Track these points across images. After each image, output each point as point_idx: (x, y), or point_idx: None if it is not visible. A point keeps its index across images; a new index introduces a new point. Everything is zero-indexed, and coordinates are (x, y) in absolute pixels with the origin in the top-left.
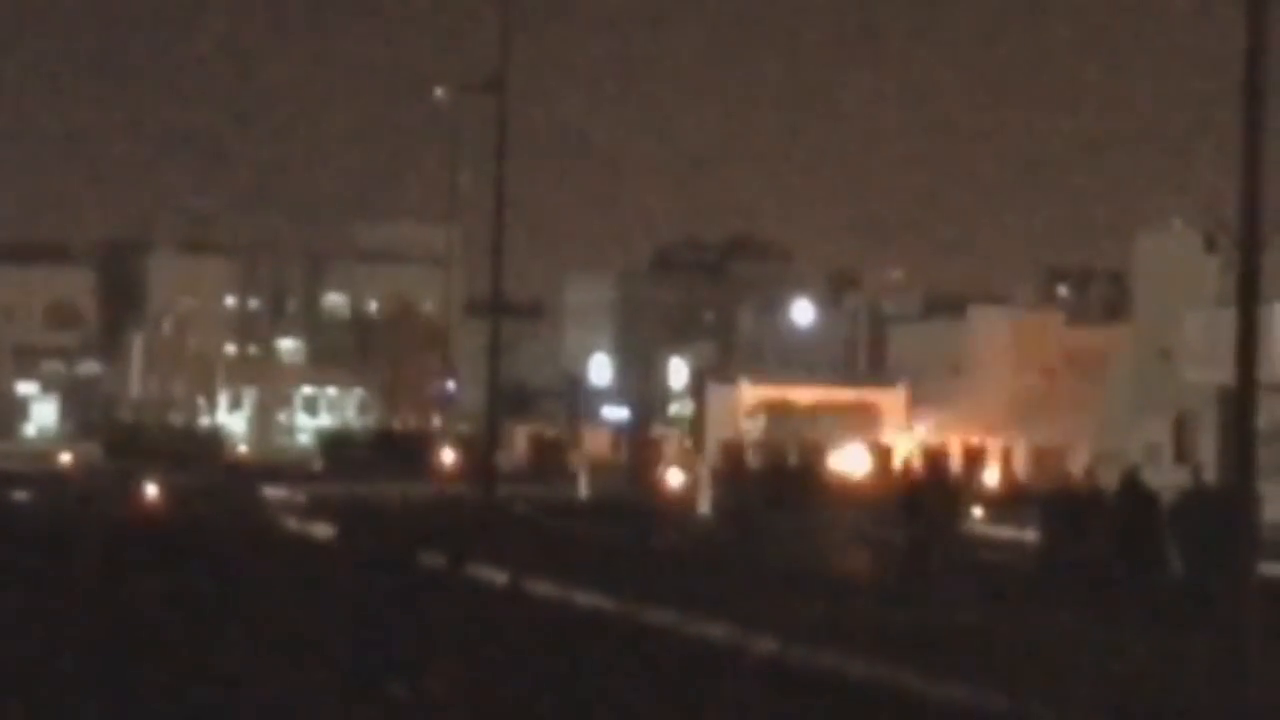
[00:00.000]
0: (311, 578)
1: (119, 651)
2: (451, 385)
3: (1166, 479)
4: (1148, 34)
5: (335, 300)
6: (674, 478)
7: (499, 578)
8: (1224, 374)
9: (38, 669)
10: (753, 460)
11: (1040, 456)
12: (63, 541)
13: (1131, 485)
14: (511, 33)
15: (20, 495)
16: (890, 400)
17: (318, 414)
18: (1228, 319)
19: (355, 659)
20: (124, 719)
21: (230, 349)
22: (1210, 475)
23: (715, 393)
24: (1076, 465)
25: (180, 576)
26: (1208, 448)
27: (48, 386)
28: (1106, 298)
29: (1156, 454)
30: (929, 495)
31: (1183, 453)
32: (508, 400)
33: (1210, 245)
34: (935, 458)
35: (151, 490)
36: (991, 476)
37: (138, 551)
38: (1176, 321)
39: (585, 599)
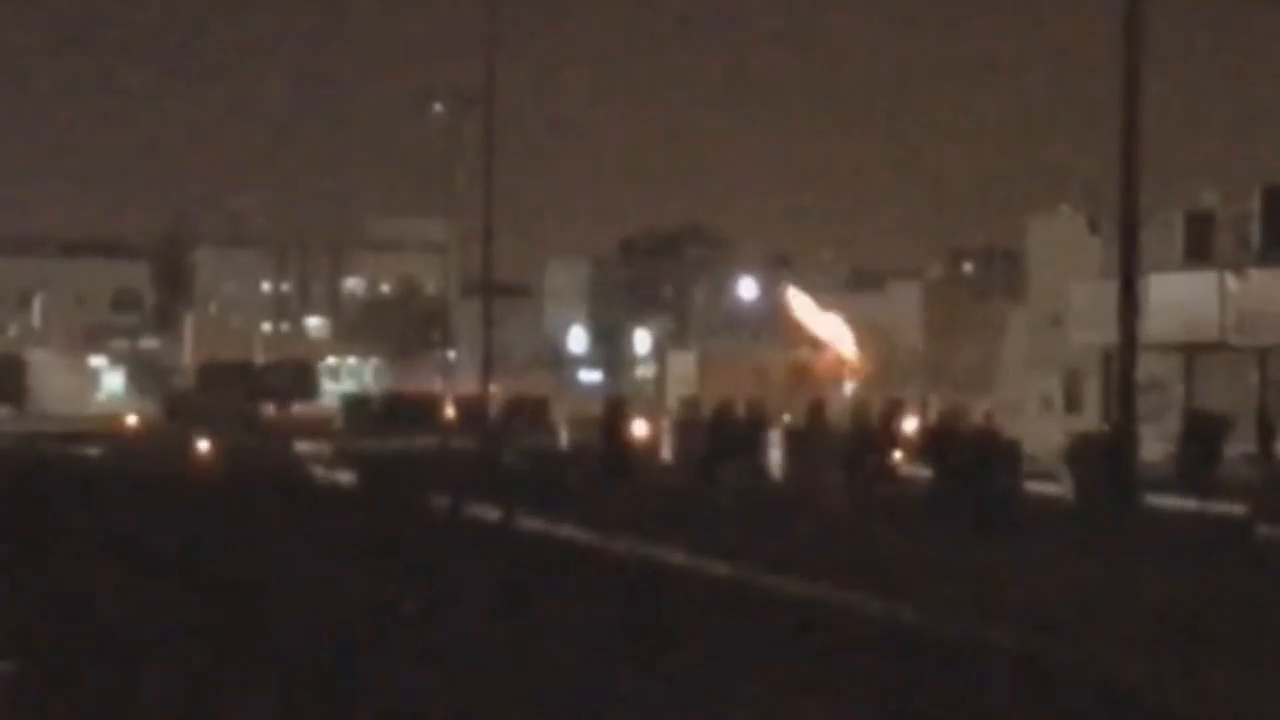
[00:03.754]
0: (337, 517)
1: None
2: (452, 354)
3: (1059, 425)
4: (1029, 38)
5: (354, 284)
6: (638, 429)
7: (492, 514)
8: (1106, 336)
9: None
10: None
11: (949, 408)
12: (134, 495)
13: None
14: (496, 55)
15: (95, 451)
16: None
17: (340, 380)
18: (1109, 289)
19: (375, 582)
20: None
21: (266, 327)
22: (1094, 422)
23: (674, 357)
24: (978, 414)
25: (231, 521)
26: (1092, 399)
27: (115, 360)
28: (1004, 273)
29: (1049, 405)
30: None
31: (1071, 404)
32: (498, 366)
33: (1094, 227)
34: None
35: (203, 446)
36: (910, 425)
37: (194, 502)
38: (1065, 292)
39: (565, 531)
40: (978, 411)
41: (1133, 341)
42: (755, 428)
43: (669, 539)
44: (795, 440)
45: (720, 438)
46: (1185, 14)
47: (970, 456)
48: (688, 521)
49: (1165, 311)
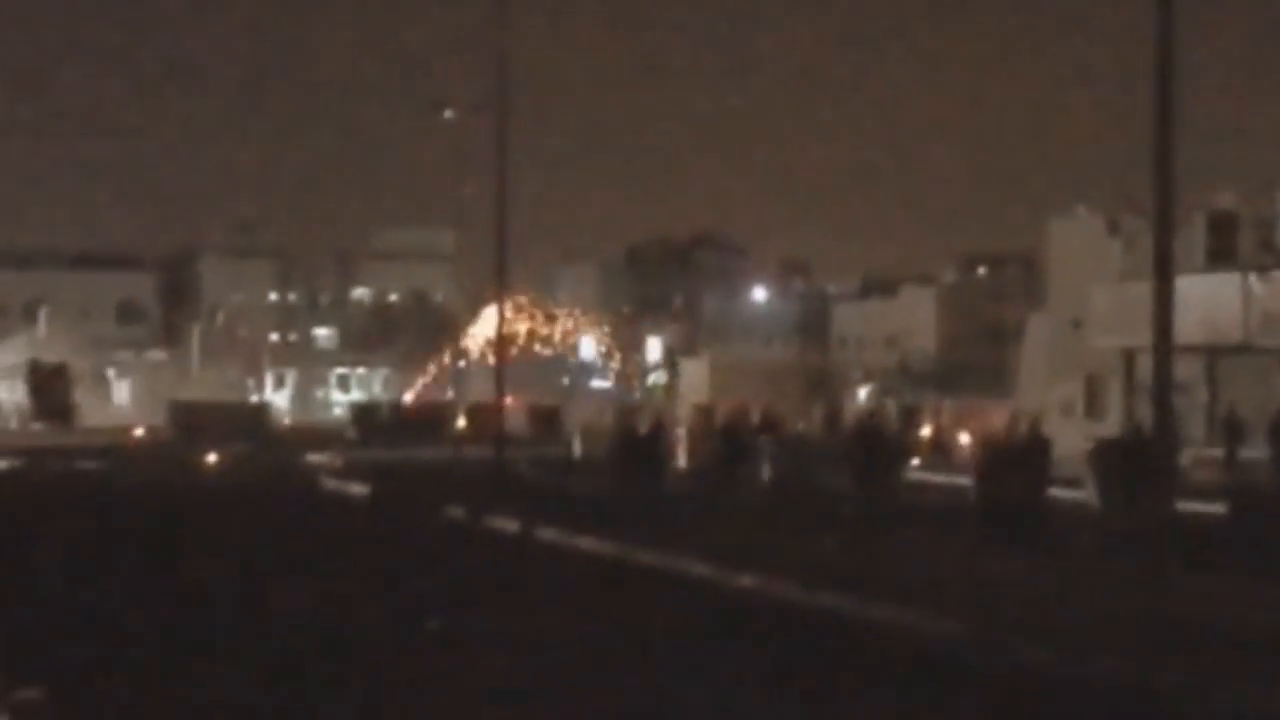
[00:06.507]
0: (355, 529)
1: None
2: (461, 363)
3: (1080, 430)
4: (1057, 43)
5: (361, 293)
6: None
7: (511, 526)
8: (1126, 339)
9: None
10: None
11: (966, 414)
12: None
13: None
14: (506, 62)
15: (105, 464)
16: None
17: (349, 390)
18: (1129, 292)
19: (398, 597)
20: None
21: (274, 337)
22: (1115, 426)
23: (686, 365)
24: (999, 422)
25: (242, 535)
26: (1114, 403)
27: (121, 373)
28: (1018, 277)
29: (1071, 409)
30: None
31: (1093, 408)
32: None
33: (1113, 228)
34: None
35: (212, 458)
36: (924, 432)
37: (204, 514)
38: (1085, 295)
39: (584, 543)
40: (1004, 418)
41: (1168, 344)
42: (769, 433)
43: (689, 549)
44: (806, 446)
45: (733, 445)
46: (1206, 11)
47: (1018, 466)
48: (704, 529)
49: (1188, 313)
